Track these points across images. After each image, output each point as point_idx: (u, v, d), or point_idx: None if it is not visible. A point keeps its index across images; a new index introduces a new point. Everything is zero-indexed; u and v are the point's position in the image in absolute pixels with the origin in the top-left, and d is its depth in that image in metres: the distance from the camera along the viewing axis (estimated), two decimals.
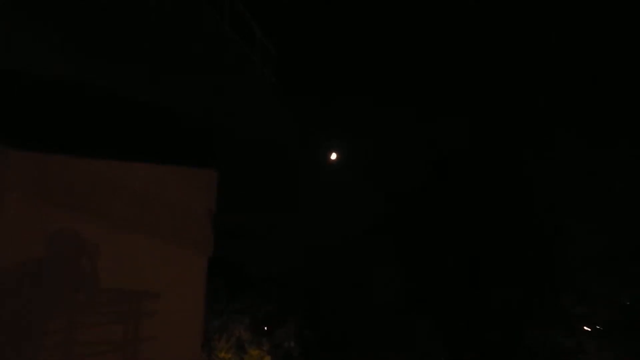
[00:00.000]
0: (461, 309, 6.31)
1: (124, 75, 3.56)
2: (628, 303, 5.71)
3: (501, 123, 7.00)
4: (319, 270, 6.56)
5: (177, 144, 4.09)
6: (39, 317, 2.92)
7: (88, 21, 3.26)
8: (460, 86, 7.10)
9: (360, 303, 6.51)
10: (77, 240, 3.16)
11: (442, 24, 6.94)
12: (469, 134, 7.14)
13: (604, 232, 6.03)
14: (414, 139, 7.38)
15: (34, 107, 3.10)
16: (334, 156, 7.17)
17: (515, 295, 6.12)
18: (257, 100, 5.54)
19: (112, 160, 3.43)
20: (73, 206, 3.18)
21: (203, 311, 4.06)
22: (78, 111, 3.30)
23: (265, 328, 5.64)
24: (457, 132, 7.11)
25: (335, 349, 6.02)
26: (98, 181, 3.36)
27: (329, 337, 6.11)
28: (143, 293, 3.50)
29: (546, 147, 6.73)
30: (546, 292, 6.12)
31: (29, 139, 2.98)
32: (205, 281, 4.08)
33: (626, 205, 6.03)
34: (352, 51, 7.06)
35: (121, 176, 3.51)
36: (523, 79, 6.85)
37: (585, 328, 5.70)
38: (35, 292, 2.90)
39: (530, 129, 6.89)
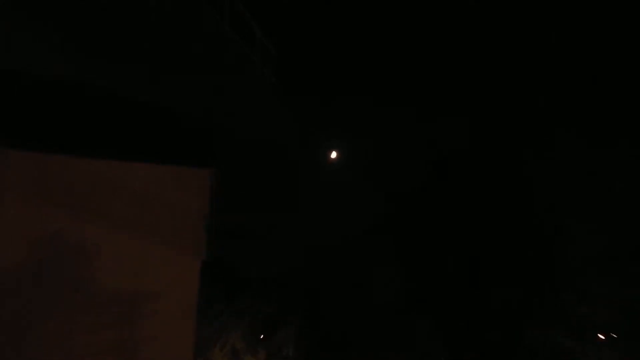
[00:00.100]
0: (461, 309, 6.32)
1: (124, 75, 3.56)
2: (628, 303, 5.70)
3: (501, 123, 7.01)
4: (319, 270, 6.57)
5: (176, 143, 4.09)
6: (37, 317, 2.92)
7: (88, 21, 3.26)
8: (460, 86, 7.11)
9: (360, 303, 6.51)
10: (71, 241, 3.15)
11: (442, 24, 6.94)
12: (469, 134, 7.15)
13: (604, 232, 6.04)
14: (414, 139, 7.38)
15: (33, 107, 3.11)
16: (334, 155, 7.17)
17: (515, 295, 6.13)
18: (257, 100, 5.54)
19: (111, 160, 3.41)
20: (70, 206, 3.17)
21: (195, 315, 3.98)
22: (77, 111, 3.30)
23: (262, 336, 5.57)
24: (457, 132, 7.12)
25: (335, 348, 6.02)
26: (96, 181, 3.35)
27: (329, 337, 6.12)
28: (133, 296, 3.47)
29: (546, 147, 6.73)
30: (546, 292, 6.13)
31: (28, 139, 2.98)
32: (198, 285, 3.99)
33: (626, 205, 6.03)
34: (352, 51, 7.06)
35: (115, 176, 3.48)
36: (523, 79, 6.85)
37: (600, 336, 5.62)
38: (33, 293, 2.90)
39: (530, 129, 6.89)
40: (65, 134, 3.27)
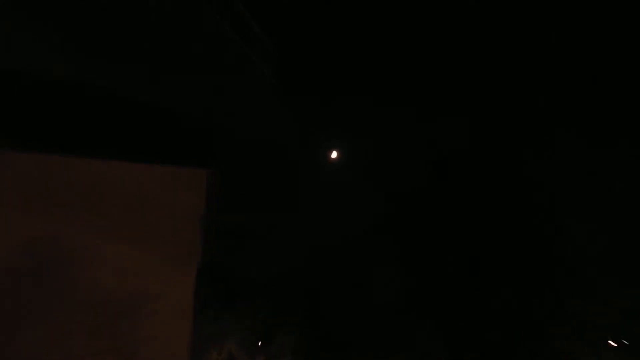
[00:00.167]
0: (461, 309, 6.31)
1: (124, 75, 3.56)
2: (628, 304, 5.68)
3: (501, 123, 7.00)
4: (319, 270, 6.56)
5: (176, 144, 4.07)
6: (36, 317, 2.89)
7: (88, 21, 3.26)
8: (460, 86, 7.11)
9: (360, 303, 6.50)
10: (70, 242, 3.11)
11: (443, 24, 6.95)
12: (469, 134, 7.14)
13: (604, 232, 6.03)
14: (414, 138, 7.38)
15: (33, 107, 3.10)
16: (334, 155, 7.17)
17: (515, 296, 6.12)
18: (257, 100, 5.54)
19: (109, 161, 3.37)
20: (69, 206, 3.13)
21: (192, 316, 3.90)
22: (77, 111, 3.30)
23: (260, 342, 5.47)
24: (457, 132, 7.12)
25: (335, 349, 6.01)
26: (95, 181, 3.31)
27: (329, 337, 6.10)
28: (131, 296, 3.41)
29: (546, 147, 6.73)
30: (546, 292, 6.11)
31: (28, 139, 2.98)
32: (193, 288, 3.91)
33: (626, 205, 6.02)
34: (352, 51, 7.06)
35: (114, 177, 3.43)
36: (523, 79, 6.85)
37: (611, 343, 5.52)
38: (33, 293, 2.88)
39: (530, 129, 6.89)
40: (65, 134, 3.26)
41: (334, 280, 6.58)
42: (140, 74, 3.73)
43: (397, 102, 7.22)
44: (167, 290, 3.58)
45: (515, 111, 7.00)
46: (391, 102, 7.23)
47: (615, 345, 5.44)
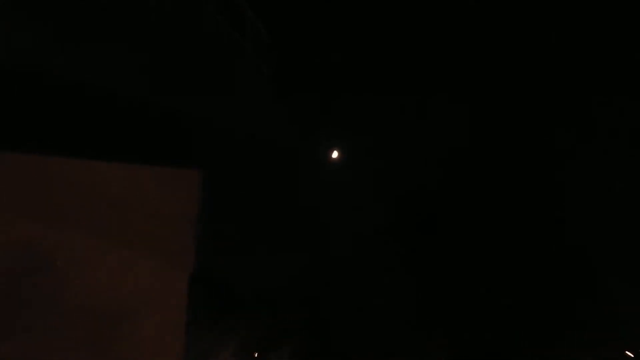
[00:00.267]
0: (469, 317, 6.12)
1: (124, 75, 3.56)
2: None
3: (505, 123, 6.99)
4: (319, 276, 6.47)
5: (174, 144, 3.99)
6: (6, 334, 2.71)
7: (88, 21, 3.27)
8: (464, 82, 7.09)
9: (361, 312, 6.41)
10: (45, 250, 2.89)
11: (444, 23, 6.95)
12: (474, 134, 7.11)
13: (605, 232, 6.01)
14: (418, 136, 7.35)
15: (22, 107, 3.05)
16: (334, 155, 7.17)
17: (526, 302, 5.97)
18: (254, 99, 5.54)
19: (90, 161, 3.18)
20: (45, 210, 2.92)
21: (184, 332, 3.62)
22: (74, 111, 3.30)
23: (256, 354, 5.25)
24: (462, 129, 7.08)
25: (335, 358, 5.89)
26: (73, 183, 3.11)
27: (329, 347, 5.96)
28: (114, 311, 3.16)
29: (550, 149, 6.69)
30: (560, 300, 5.95)
31: (16, 140, 2.91)
32: (186, 298, 3.62)
33: (626, 205, 6.01)
34: (352, 51, 7.06)
35: (94, 178, 3.22)
36: (523, 79, 6.85)
37: (629, 354, 5.26)
38: (2, 307, 2.69)
39: (530, 129, 6.87)
40: (63, 135, 3.25)
41: (334, 289, 6.46)
42: (140, 74, 3.73)
43: (399, 102, 7.21)
44: (153, 305, 3.36)
45: (516, 111, 6.99)
46: (392, 101, 7.22)
47: (632, 356, 5.16)
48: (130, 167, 3.38)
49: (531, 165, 6.87)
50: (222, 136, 4.73)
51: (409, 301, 6.42)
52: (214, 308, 5.05)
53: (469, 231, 6.68)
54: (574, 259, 6.22)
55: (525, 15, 6.66)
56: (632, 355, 5.18)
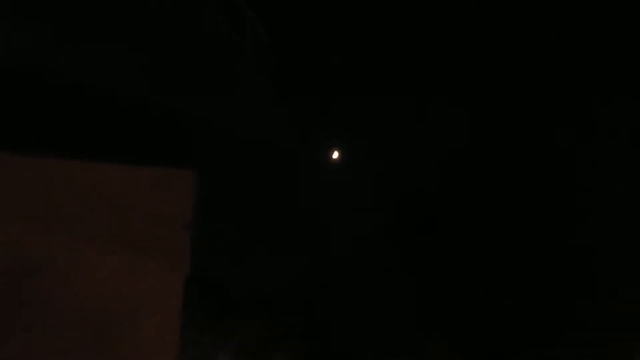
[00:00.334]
0: (470, 320, 6.09)
1: (123, 75, 3.56)
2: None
3: (504, 123, 7.00)
4: (318, 279, 6.44)
5: (173, 144, 3.97)
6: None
7: (88, 21, 3.27)
8: (465, 83, 7.10)
9: (361, 315, 6.38)
10: (34, 253, 2.84)
11: (443, 25, 6.96)
12: (474, 135, 7.11)
13: (606, 233, 6.01)
14: (417, 140, 7.36)
15: (9, 106, 3.04)
16: (334, 156, 7.17)
17: (528, 304, 5.95)
18: (254, 100, 5.54)
19: (80, 161, 3.14)
20: (34, 212, 2.88)
21: (179, 337, 3.56)
22: (73, 112, 3.30)
23: (256, 355, 5.20)
24: (463, 130, 7.08)
25: (335, 358, 5.86)
26: (63, 184, 3.07)
27: (328, 351, 5.92)
28: (108, 314, 3.11)
29: (550, 149, 6.69)
30: (555, 296, 5.95)
31: (13, 141, 2.90)
32: (181, 303, 3.56)
33: (626, 205, 6.01)
34: (353, 52, 7.07)
35: (85, 179, 3.16)
36: (523, 79, 6.86)
37: None
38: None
39: (530, 129, 6.88)
40: (63, 135, 3.25)
41: (335, 288, 6.43)
42: (140, 74, 3.73)
43: (400, 102, 7.21)
44: (147, 308, 3.32)
45: (517, 111, 7.00)
46: (393, 101, 7.22)
47: None
48: (130, 168, 3.36)
49: (531, 165, 6.87)
50: (222, 136, 4.72)
51: (409, 301, 6.41)
52: (213, 309, 5.05)
53: (469, 232, 6.67)
54: (574, 259, 6.21)
55: (525, 15, 6.68)
56: None
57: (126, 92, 3.54)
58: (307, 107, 7.53)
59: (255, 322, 5.53)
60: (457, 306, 6.49)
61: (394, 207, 7.57)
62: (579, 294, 6.23)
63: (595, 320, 5.97)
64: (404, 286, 6.81)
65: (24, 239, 2.82)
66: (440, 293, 6.69)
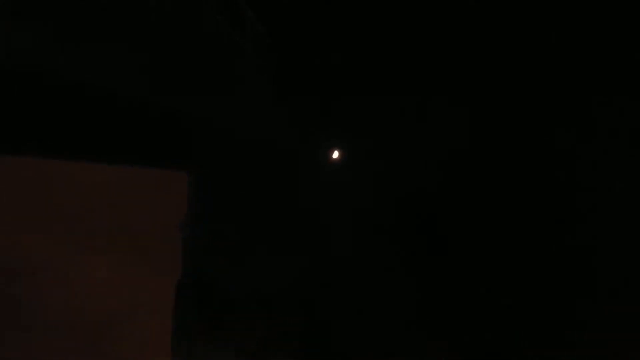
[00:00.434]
0: (471, 321, 6.12)
1: (123, 75, 3.58)
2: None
3: (504, 123, 7.02)
4: (318, 275, 6.45)
5: (172, 145, 4.01)
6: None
7: (88, 21, 3.28)
8: (466, 82, 7.12)
9: (361, 310, 6.40)
10: (22, 256, 2.90)
11: (443, 25, 6.99)
12: (474, 135, 7.13)
13: (606, 233, 6.01)
14: (417, 140, 7.37)
15: (9, 106, 3.06)
16: (334, 156, 7.17)
17: (529, 305, 5.98)
18: (254, 100, 5.54)
19: (69, 162, 3.15)
20: (23, 213, 2.93)
21: (170, 341, 3.47)
22: (71, 112, 3.31)
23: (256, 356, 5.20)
24: (463, 130, 7.10)
25: (335, 358, 5.86)
26: (54, 185, 3.10)
27: (329, 346, 5.93)
28: (99, 318, 3.11)
29: (550, 149, 6.70)
30: (555, 296, 5.99)
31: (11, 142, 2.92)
32: (181, 303, 3.49)
33: (626, 205, 6.02)
34: (353, 52, 7.09)
35: (77, 180, 3.19)
36: (523, 79, 6.88)
37: None
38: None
39: (530, 130, 6.90)
40: (63, 136, 3.26)
41: (335, 289, 6.43)
42: (140, 74, 3.74)
43: (400, 102, 7.23)
44: (139, 312, 3.29)
45: (518, 111, 7.02)
46: (393, 101, 7.24)
47: None
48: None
49: (531, 165, 6.88)
50: (222, 137, 4.72)
51: (409, 301, 6.42)
52: (212, 309, 5.07)
53: (469, 232, 6.68)
54: (574, 259, 6.22)
55: (525, 15, 6.70)
56: None
57: (126, 92, 3.55)
58: (307, 107, 7.55)
59: (255, 322, 5.57)
60: (457, 306, 6.50)
61: (394, 207, 7.58)
62: (579, 294, 6.23)
63: (595, 320, 5.99)
64: (404, 286, 6.81)
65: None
66: (441, 293, 6.70)
